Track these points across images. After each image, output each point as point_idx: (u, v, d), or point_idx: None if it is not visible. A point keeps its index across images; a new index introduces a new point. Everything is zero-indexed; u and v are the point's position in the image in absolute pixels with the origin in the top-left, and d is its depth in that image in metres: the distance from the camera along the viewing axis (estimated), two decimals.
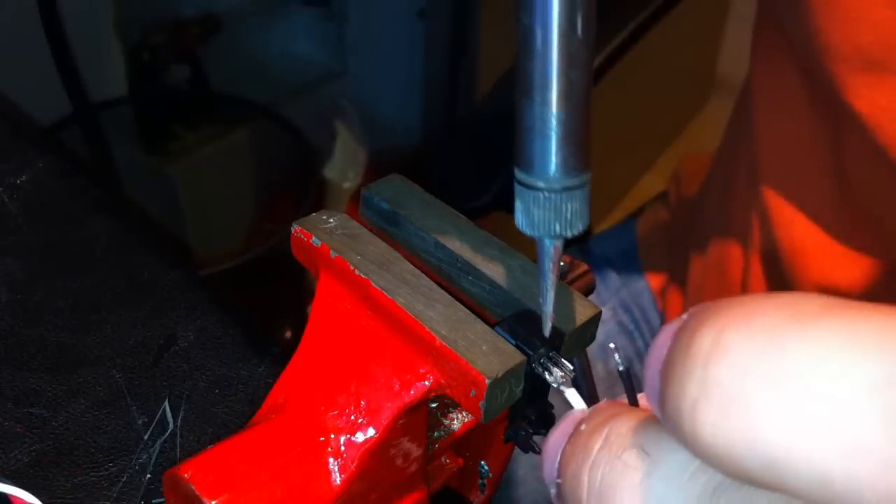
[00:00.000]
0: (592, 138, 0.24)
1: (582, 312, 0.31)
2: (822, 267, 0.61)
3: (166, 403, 0.48)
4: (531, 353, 0.29)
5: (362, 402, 0.30)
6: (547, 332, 0.28)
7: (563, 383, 0.28)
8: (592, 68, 0.23)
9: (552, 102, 0.23)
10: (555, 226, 0.24)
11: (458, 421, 0.35)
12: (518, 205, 0.24)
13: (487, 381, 0.27)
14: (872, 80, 0.51)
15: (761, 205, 0.64)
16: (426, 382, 0.29)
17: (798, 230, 0.62)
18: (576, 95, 0.23)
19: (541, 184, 0.24)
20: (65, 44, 1.02)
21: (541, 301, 0.28)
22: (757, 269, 0.67)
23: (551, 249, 0.25)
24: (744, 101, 0.71)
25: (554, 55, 0.22)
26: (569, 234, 0.24)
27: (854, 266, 0.60)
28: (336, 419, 0.31)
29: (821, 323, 0.16)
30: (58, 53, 1.02)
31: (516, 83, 0.23)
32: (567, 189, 0.24)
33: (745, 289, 0.69)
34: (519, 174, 0.24)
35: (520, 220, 0.25)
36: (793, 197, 0.62)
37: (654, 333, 0.83)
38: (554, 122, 0.23)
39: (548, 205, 0.24)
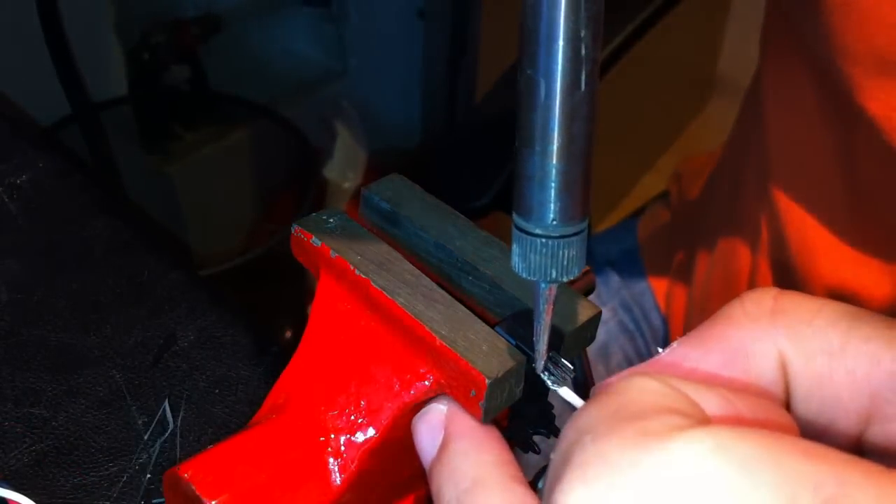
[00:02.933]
0: (592, 186, 0.24)
1: (582, 312, 0.31)
2: (833, 268, 0.61)
3: (166, 403, 0.48)
4: (531, 352, 0.29)
5: (362, 402, 0.30)
6: (540, 368, 0.29)
7: (556, 384, 0.29)
8: (596, 121, 0.23)
9: (553, 154, 0.23)
10: (551, 271, 0.25)
11: None
12: (515, 248, 0.25)
13: (487, 381, 0.27)
14: (887, 82, 0.51)
15: (771, 205, 0.64)
16: (426, 382, 0.29)
17: (809, 231, 0.62)
18: (577, 148, 0.23)
19: (539, 231, 0.24)
20: (64, 44, 1.02)
21: (534, 340, 0.28)
22: (765, 269, 0.67)
23: (546, 292, 0.26)
24: (752, 100, 0.71)
25: (557, 109, 0.22)
26: (564, 279, 0.25)
27: (865, 268, 0.60)
28: (336, 419, 0.31)
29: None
30: (56, 54, 1.02)
31: (518, 132, 0.23)
32: (564, 236, 0.24)
33: (752, 288, 0.69)
34: (517, 220, 0.24)
35: (517, 263, 0.25)
36: (804, 198, 0.62)
37: (654, 334, 0.83)
38: (554, 173, 0.23)
39: (545, 251, 0.24)
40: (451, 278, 0.33)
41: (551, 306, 0.26)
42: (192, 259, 1.21)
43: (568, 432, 0.21)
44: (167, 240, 1.09)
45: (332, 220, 0.33)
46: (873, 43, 0.50)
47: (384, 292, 0.30)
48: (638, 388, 0.21)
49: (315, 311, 0.33)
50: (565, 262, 0.24)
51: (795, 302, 0.25)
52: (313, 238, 0.32)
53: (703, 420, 0.21)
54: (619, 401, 0.21)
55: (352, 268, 0.31)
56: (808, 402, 0.24)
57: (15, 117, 0.70)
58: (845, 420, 0.24)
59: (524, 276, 0.25)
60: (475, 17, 1.34)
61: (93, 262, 0.56)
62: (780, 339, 0.24)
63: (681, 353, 0.25)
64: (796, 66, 0.60)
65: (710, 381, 0.24)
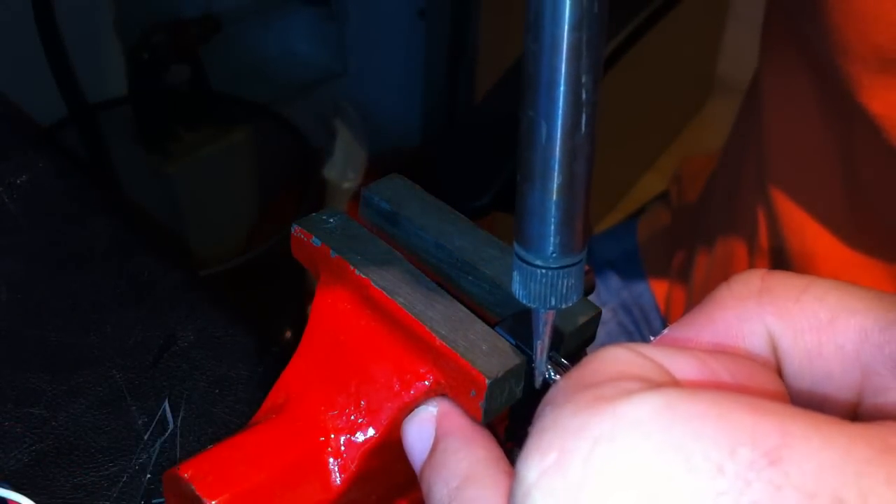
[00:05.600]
0: (590, 219, 0.25)
1: (582, 312, 0.31)
2: (833, 269, 0.61)
3: (166, 403, 0.48)
4: (531, 353, 0.29)
5: (362, 402, 0.31)
6: (538, 384, 0.29)
7: None
8: (594, 159, 0.24)
9: (553, 192, 0.23)
10: (550, 299, 0.25)
11: None
12: (516, 276, 0.25)
13: (487, 381, 0.27)
14: (888, 80, 0.51)
15: (770, 206, 0.64)
16: (426, 382, 0.29)
17: (809, 232, 0.62)
18: (577, 186, 0.24)
19: (539, 262, 0.25)
20: (60, 45, 1.02)
21: (534, 358, 0.28)
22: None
23: (545, 317, 0.27)
24: (751, 101, 0.71)
25: (557, 150, 0.23)
26: (563, 306, 0.26)
27: (866, 269, 0.60)
28: (336, 419, 0.31)
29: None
30: (52, 55, 1.02)
31: (519, 168, 0.24)
32: (563, 267, 0.25)
33: None
34: (518, 250, 0.25)
35: (517, 290, 0.26)
36: (803, 199, 0.62)
37: (654, 335, 0.83)
38: (554, 209, 0.24)
39: (545, 280, 0.25)
40: (451, 278, 0.33)
41: (550, 328, 0.27)
42: (192, 259, 1.22)
43: (538, 407, 0.22)
44: (167, 240, 1.09)
45: (332, 220, 0.33)
46: (874, 41, 0.50)
47: (384, 292, 0.30)
48: (603, 358, 0.22)
49: (315, 310, 0.33)
50: (564, 291, 0.25)
51: (782, 280, 0.25)
52: (313, 238, 0.32)
53: (665, 384, 0.21)
54: (583, 371, 0.22)
55: (352, 268, 0.31)
56: (801, 379, 0.24)
57: (15, 117, 0.70)
58: (838, 395, 0.24)
59: (524, 302, 0.26)
60: (475, 17, 1.34)
61: (93, 262, 0.56)
62: (768, 317, 0.24)
63: (671, 338, 0.26)
64: (796, 65, 0.60)
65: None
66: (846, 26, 0.51)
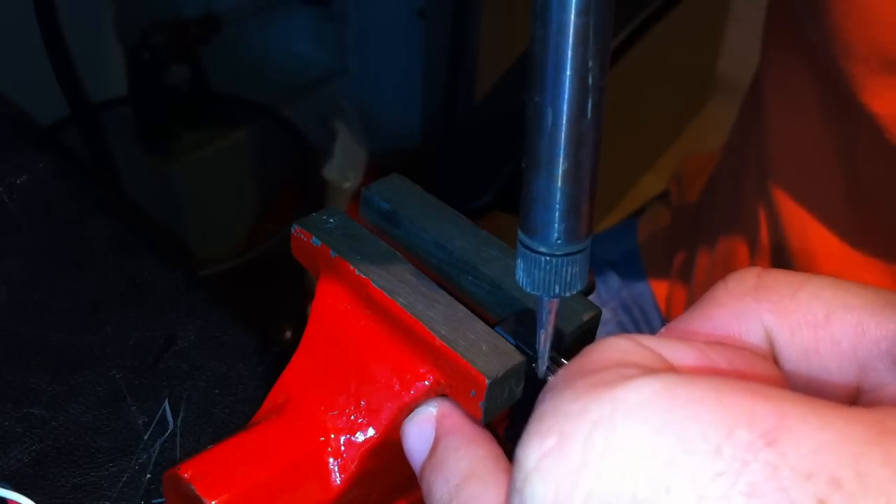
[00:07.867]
0: (596, 206, 0.25)
1: (582, 312, 0.31)
2: (834, 269, 0.61)
3: (166, 403, 0.48)
4: (531, 353, 0.29)
5: (362, 402, 0.31)
6: (542, 374, 0.29)
7: None
8: (601, 146, 0.24)
9: (558, 178, 0.23)
10: (555, 287, 0.25)
11: None
12: (520, 263, 0.25)
13: (487, 382, 0.27)
14: (890, 80, 0.51)
15: (771, 205, 0.64)
16: (426, 382, 0.29)
17: (810, 232, 0.62)
18: (582, 172, 0.24)
19: (543, 249, 0.25)
20: (62, 44, 1.02)
21: (537, 348, 0.28)
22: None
23: (549, 304, 0.27)
24: (752, 100, 0.71)
25: (563, 135, 0.23)
26: (567, 294, 0.25)
27: (867, 269, 0.60)
28: (336, 419, 0.31)
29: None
30: (54, 54, 1.02)
31: (525, 155, 0.24)
32: (568, 255, 0.25)
33: None
34: (522, 237, 0.25)
35: (521, 277, 0.26)
36: (804, 198, 0.62)
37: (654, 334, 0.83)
38: (559, 195, 0.24)
39: (549, 268, 0.25)
40: (451, 278, 0.33)
41: (554, 317, 0.27)
42: (192, 259, 1.22)
43: (539, 396, 0.22)
44: (167, 240, 1.09)
45: (332, 220, 0.33)
46: (877, 41, 0.50)
47: (384, 292, 0.30)
48: (603, 347, 0.22)
49: (315, 311, 0.33)
50: (568, 279, 0.25)
51: (778, 278, 0.25)
52: (313, 238, 0.32)
53: (664, 369, 0.21)
54: (583, 359, 0.22)
55: (352, 268, 0.31)
56: (797, 375, 0.24)
57: (15, 117, 0.70)
58: (835, 391, 0.24)
59: (528, 290, 0.26)
60: (475, 17, 1.34)
61: (93, 262, 0.56)
62: (764, 314, 0.24)
63: (669, 334, 0.26)
64: (798, 65, 0.60)
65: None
66: (849, 27, 0.50)
